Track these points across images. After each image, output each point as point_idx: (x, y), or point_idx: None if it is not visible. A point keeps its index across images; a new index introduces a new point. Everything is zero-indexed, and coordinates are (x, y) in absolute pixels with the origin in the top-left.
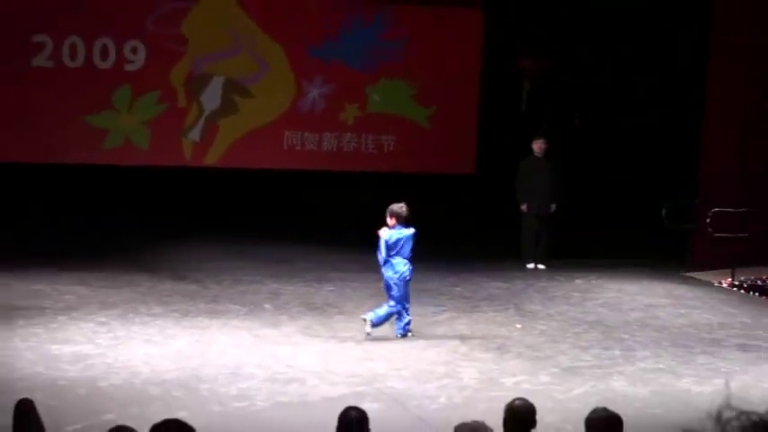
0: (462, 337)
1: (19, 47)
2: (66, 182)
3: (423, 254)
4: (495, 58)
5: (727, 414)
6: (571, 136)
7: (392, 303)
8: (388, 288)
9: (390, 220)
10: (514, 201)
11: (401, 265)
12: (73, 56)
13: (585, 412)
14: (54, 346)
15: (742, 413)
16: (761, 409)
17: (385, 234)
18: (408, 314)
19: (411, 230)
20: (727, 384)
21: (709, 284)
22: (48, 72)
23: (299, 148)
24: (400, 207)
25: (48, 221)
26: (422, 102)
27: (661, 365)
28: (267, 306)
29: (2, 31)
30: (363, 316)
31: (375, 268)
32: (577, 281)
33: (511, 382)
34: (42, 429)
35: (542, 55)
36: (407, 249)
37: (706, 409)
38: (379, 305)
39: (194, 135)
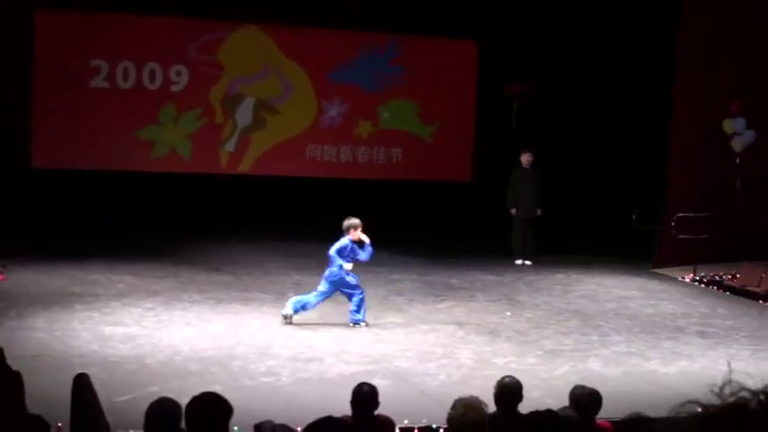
0: (459, 323)
1: (80, 71)
2: (121, 187)
3: (425, 251)
4: (489, 81)
5: (729, 388)
6: (561, 145)
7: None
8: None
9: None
10: (505, 205)
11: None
12: (125, 78)
13: (566, 389)
14: (107, 328)
15: (743, 387)
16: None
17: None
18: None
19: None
20: (729, 364)
21: (674, 279)
22: (104, 92)
23: (319, 158)
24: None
25: (104, 221)
26: (425, 119)
27: (632, 349)
28: (291, 294)
29: (65, 58)
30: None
31: (385, 263)
32: (559, 275)
33: (502, 363)
34: (96, 399)
35: (528, 81)
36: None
37: (708, 384)
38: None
39: (229, 146)
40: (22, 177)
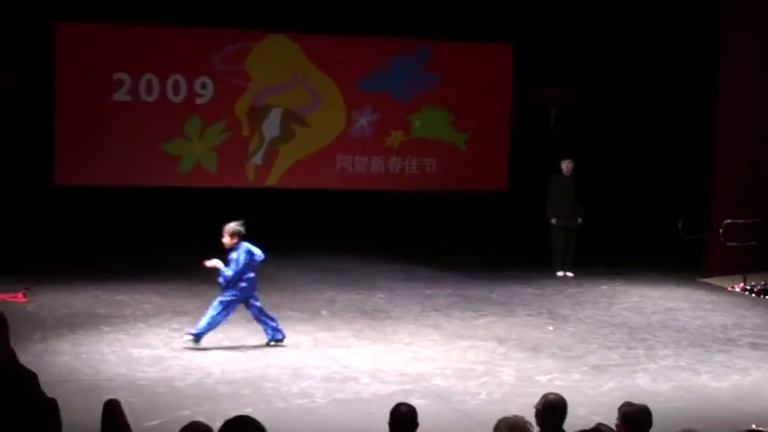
0: (500, 339)
1: (102, 84)
2: (145, 203)
3: (462, 264)
4: (525, 86)
5: None
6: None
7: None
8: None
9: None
10: (544, 215)
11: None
12: (149, 91)
13: (613, 406)
14: (135, 350)
15: None
16: None
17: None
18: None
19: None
20: None
21: (723, 289)
22: (127, 106)
23: (350, 170)
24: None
25: (128, 239)
26: (459, 127)
27: (681, 363)
28: (324, 312)
29: (87, 71)
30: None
31: (419, 277)
32: (603, 287)
33: (545, 380)
34: (127, 425)
35: (565, 85)
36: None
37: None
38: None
39: (257, 159)
40: (45, 195)
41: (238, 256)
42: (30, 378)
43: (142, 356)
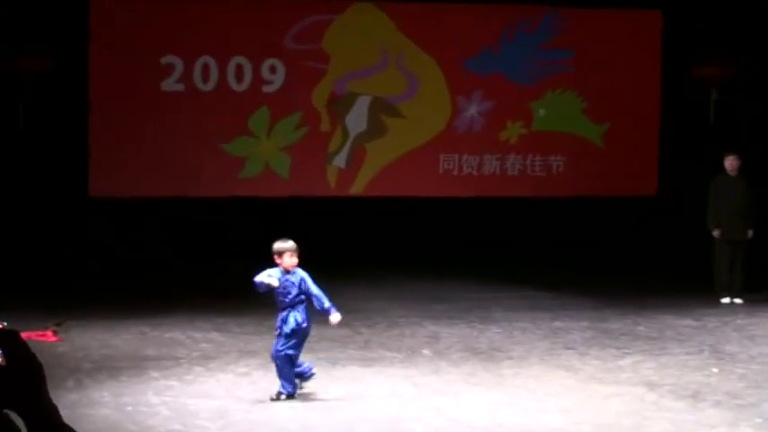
0: (650, 384)
1: (147, 70)
2: (201, 217)
3: (599, 289)
4: (678, 63)
5: None
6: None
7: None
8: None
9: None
10: (704, 225)
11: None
12: (205, 78)
13: None
14: (191, 401)
15: None
16: None
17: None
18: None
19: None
20: None
21: None
22: (178, 97)
23: (456, 172)
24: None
25: (181, 262)
26: (594, 117)
27: None
28: (425, 351)
29: (128, 54)
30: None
31: (546, 307)
32: None
33: None
34: None
35: (730, 61)
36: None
37: None
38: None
39: (339, 161)
40: (77, 209)
41: (302, 277)
42: None
43: (200, 409)
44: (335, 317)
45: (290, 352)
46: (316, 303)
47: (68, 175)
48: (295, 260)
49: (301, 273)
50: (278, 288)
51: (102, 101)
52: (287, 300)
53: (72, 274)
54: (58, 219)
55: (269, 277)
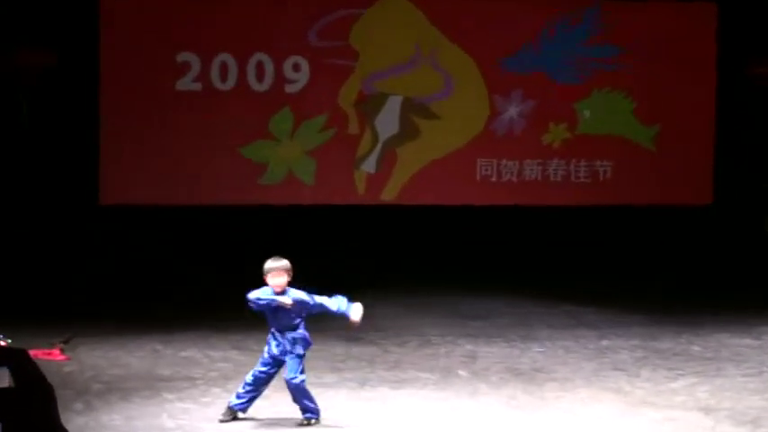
0: (706, 409)
1: (160, 68)
2: (219, 226)
3: (649, 304)
4: (734, 60)
5: None
6: None
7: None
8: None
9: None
10: (763, 235)
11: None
12: (223, 77)
13: None
14: (207, 426)
15: None
16: None
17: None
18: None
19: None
20: None
21: None
22: (194, 97)
23: (494, 179)
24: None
25: (197, 275)
26: (644, 118)
27: None
28: (461, 372)
29: (140, 50)
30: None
31: (593, 324)
32: None
33: None
34: None
35: None
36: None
37: None
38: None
39: (368, 166)
40: (87, 218)
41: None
42: None
43: None
44: (356, 312)
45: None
46: (331, 310)
47: (77, 181)
48: (281, 280)
49: (294, 293)
50: (286, 309)
51: (112, 100)
52: (292, 321)
53: (80, 287)
54: (65, 227)
55: (280, 296)
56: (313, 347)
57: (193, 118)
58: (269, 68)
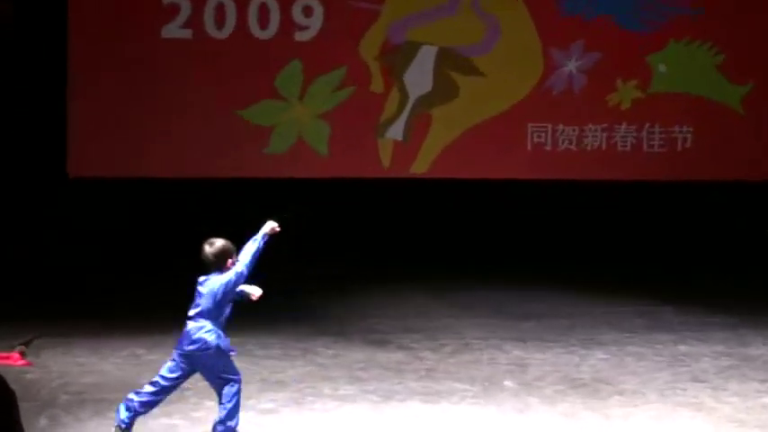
0: None
1: (143, 11)
2: (214, 205)
3: (737, 304)
4: None
5: None
6: None
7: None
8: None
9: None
10: None
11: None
12: (219, 22)
13: None
14: None
15: None
16: None
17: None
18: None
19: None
20: None
21: None
22: (184, 46)
23: (548, 147)
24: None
25: (186, 263)
26: (733, 75)
27: None
28: (508, 383)
29: None
30: None
31: (669, 325)
32: None
33: None
34: None
35: None
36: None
37: None
38: None
39: (395, 132)
40: (54, 193)
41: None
42: None
43: None
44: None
45: None
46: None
47: (41, 151)
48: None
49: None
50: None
51: (83, 52)
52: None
53: (46, 277)
54: (28, 204)
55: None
56: (329, 353)
57: (183, 72)
58: (274, 12)
